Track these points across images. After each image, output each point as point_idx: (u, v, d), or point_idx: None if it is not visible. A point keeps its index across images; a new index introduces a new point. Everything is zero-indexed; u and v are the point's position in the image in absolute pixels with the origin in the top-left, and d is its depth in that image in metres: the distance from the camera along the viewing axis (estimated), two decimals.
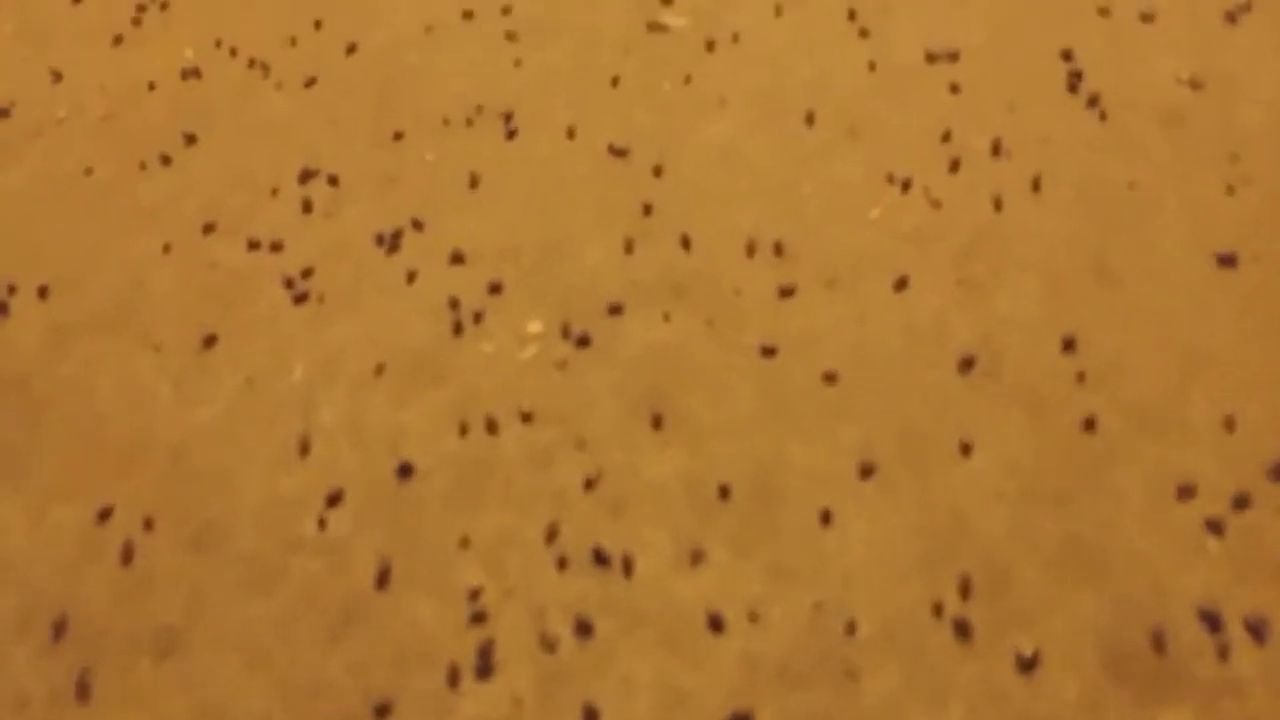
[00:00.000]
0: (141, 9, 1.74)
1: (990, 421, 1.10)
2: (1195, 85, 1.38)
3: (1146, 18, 1.48)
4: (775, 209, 1.31)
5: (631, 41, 1.56)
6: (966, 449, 1.08)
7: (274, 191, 1.44)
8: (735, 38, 1.54)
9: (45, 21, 1.76)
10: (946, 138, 1.37)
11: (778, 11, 1.57)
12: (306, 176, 1.44)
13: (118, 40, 1.69)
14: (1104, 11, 1.50)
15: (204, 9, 1.73)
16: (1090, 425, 1.09)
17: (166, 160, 1.50)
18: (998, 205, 1.28)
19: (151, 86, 1.61)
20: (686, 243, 1.29)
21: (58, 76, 1.65)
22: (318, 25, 1.66)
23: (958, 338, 1.17)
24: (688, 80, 1.49)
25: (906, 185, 1.32)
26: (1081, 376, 1.13)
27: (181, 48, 1.67)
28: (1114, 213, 1.26)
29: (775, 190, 1.33)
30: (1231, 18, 1.47)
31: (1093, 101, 1.38)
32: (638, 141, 1.42)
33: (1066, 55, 1.44)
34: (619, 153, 1.41)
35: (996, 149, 1.34)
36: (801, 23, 1.55)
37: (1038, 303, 1.18)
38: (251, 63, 1.62)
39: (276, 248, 1.36)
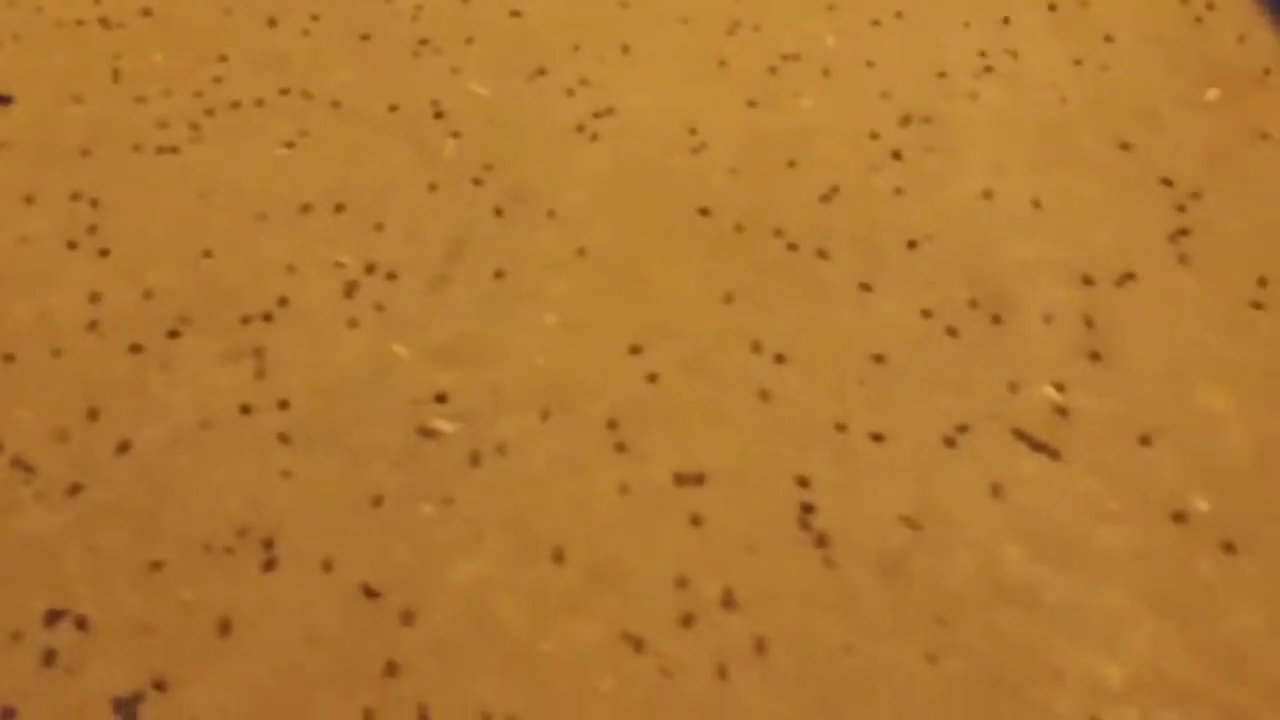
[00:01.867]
0: None
1: None
2: (914, 525, 1.49)
3: (877, 437, 1.59)
4: (513, 677, 1.36)
5: (403, 450, 1.61)
6: None
7: (16, 637, 1.42)
8: (501, 449, 1.60)
9: None
10: (683, 584, 1.44)
11: (544, 416, 1.64)
12: (53, 618, 1.43)
13: None
14: (841, 427, 1.61)
15: None
16: None
17: None
18: (722, 673, 1.35)
19: None
20: (424, 717, 1.32)
21: None
22: (92, 415, 1.67)
23: None
24: (449, 503, 1.54)
25: (639, 645, 1.38)
26: None
27: None
28: (832, 683, 1.34)
29: (515, 653, 1.38)
30: (950, 442, 1.59)
31: (821, 541, 1.48)
32: (392, 582, 1.46)
33: (802, 481, 1.55)
34: (372, 594, 1.45)
35: (728, 601, 1.42)
36: (562, 433, 1.62)
37: None
38: (15, 461, 1.61)
39: (9, 715, 1.34)
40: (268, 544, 1.50)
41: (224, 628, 1.42)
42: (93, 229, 2.01)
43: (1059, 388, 1.66)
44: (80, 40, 2.51)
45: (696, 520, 1.51)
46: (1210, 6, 2.41)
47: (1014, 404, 1.64)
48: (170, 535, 1.53)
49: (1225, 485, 1.54)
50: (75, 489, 1.58)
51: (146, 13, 2.58)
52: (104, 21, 2.56)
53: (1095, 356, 1.70)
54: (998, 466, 1.57)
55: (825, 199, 1.98)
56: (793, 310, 1.79)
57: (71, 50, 2.48)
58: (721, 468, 1.57)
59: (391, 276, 1.88)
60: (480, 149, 2.13)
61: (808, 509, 1.51)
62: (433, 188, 2.05)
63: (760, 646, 1.38)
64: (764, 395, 1.66)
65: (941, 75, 2.26)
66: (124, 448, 1.63)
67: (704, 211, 1.98)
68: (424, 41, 2.43)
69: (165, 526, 1.54)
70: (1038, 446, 1.58)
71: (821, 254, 1.88)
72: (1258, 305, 1.76)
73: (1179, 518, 1.50)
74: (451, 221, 1.99)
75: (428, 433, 1.63)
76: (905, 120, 2.14)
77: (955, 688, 1.34)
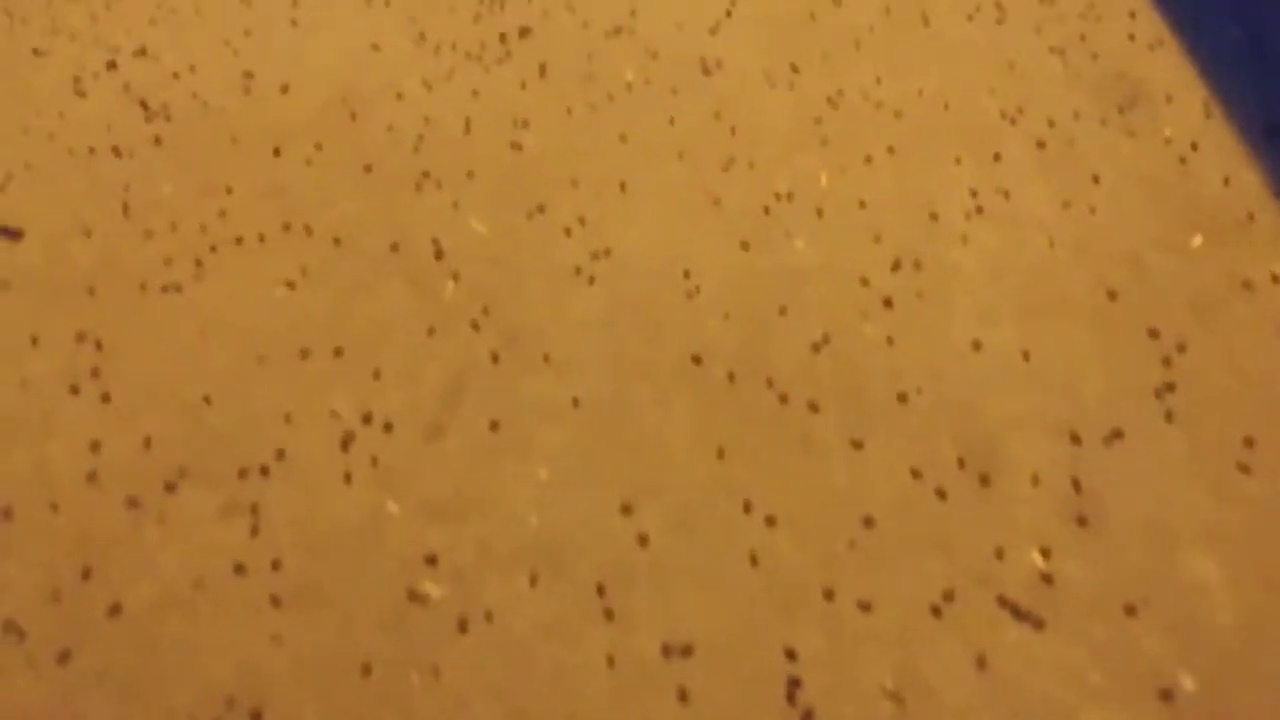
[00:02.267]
0: None
1: None
2: (898, 699, 1.49)
3: (864, 606, 1.60)
4: None
5: (393, 614, 1.62)
6: None
7: None
8: (489, 615, 1.61)
9: None
10: None
11: (533, 580, 1.65)
12: None
13: None
14: (829, 594, 1.62)
15: None
16: None
17: None
18: None
19: None
20: None
21: None
22: (86, 575, 1.69)
23: None
24: (436, 673, 1.54)
25: None
26: None
27: None
28: None
29: None
30: (936, 610, 1.60)
31: (807, 717, 1.48)
32: None
33: (790, 653, 1.55)
34: None
35: None
36: (550, 598, 1.63)
37: None
38: (7, 625, 1.62)
39: None
40: (255, 715, 1.50)
41: None
42: (95, 372, 2.04)
43: (1045, 554, 1.67)
44: (92, 169, 2.58)
45: (683, 695, 1.51)
46: (1194, 147, 2.47)
47: (1000, 570, 1.65)
48: (157, 705, 1.53)
49: (1212, 660, 1.54)
50: (65, 655, 1.59)
51: (157, 141, 2.66)
52: (115, 150, 2.64)
53: (1082, 521, 1.71)
54: (982, 637, 1.57)
55: (816, 348, 2.01)
56: (783, 467, 1.81)
57: (83, 180, 2.54)
58: (710, 638, 1.57)
59: (387, 427, 1.90)
60: (479, 290, 2.18)
61: (795, 683, 1.51)
62: (431, 331, 2.09)
63: None
64: (754, 559, 1.67)
65: (933, 216, 2.31)
66: (115, 610, 1.64)
67: (697, 359, 2.01)
68: (426, 174, 2.49)
69: (152, 696, 1.54)
70: (1022, 615, 1.59)
71: (812, 406, 1.90)
72: (1244, 468, 1.78)
73: (1165, 696, 1.50)
74: (449, 367, 2.02)
75: (417, 597, 1.64)
76: (896, 265, 2.19)
77: None
